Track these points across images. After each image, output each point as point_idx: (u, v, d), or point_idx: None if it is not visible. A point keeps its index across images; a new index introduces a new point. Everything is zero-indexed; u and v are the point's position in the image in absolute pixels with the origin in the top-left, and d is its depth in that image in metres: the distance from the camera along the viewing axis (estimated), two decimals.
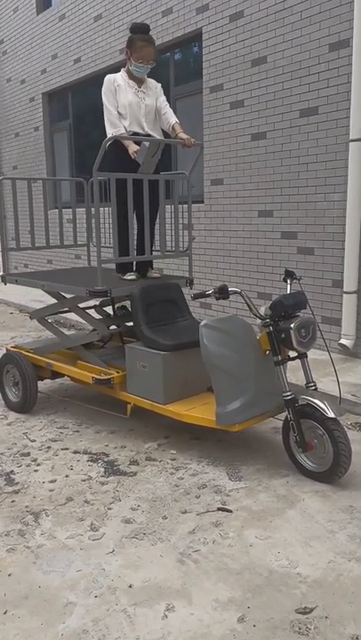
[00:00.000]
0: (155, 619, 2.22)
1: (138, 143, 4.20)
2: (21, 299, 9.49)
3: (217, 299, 3.30)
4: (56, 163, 10.05)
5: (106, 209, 4.47)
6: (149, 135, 4.41)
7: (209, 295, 3.33)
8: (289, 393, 3.28)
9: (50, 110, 10.06)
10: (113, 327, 4.46)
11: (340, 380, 4.69)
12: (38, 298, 9.35)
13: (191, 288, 4.76)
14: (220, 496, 3.15)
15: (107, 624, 2.20)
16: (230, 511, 2.99)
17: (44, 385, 5.17)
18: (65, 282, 4.34)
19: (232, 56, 6.18)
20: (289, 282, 3.62)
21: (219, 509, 3.01)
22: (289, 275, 3.62)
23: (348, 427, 4.05)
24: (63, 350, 4.59)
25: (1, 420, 4.42)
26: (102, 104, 4.37)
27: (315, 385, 3.44)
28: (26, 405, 4.45)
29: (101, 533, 2.82)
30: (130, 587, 2.42)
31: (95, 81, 8.64)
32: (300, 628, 2.15)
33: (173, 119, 4.46)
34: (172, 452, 3.75)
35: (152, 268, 4.70)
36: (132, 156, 4.18)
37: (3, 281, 4.82)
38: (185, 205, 6.35)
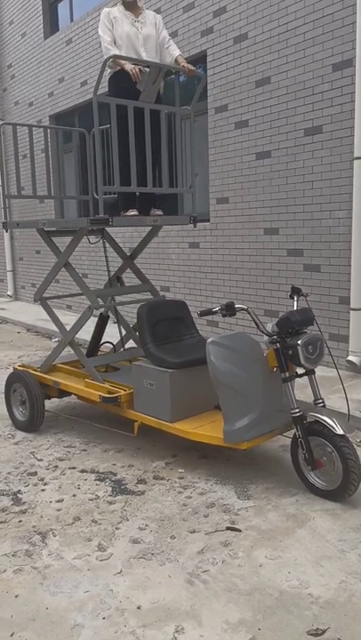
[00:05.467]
0: None
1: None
2: (29, 318, 9.52)
3: (223, 315, 3.30)
4: (62, 183, 10.15)
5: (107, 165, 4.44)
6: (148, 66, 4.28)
7: (216, 312, 3.33)
8: (297, 410, 3.25)
9: (57, 132, 10.18)
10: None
11: (348, 396, 4.65)
12: (45, 317, 9.36)
13: (195, 226, 4.61)
14: (229, 515, 3.12)
15: None
16: (239, 530, 2.96)
17: (52, 403, 5.15)
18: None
19: (236, 77, 6.26)
20: (296, 299, 3.61)
21: (228, 529, 2.98)
22: (296, 292, 3.62)
23: (357, 444, 4.01)
24: (70, 369, 4.59)
25: (8, 439, 4.41)
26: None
27: (323, 402, 3.42)
28: (33, 424, 4.44)
29: (109, 554, 2.80)
30: (138, 608, 2.38)
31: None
32: None
33: (177, 52, 4.42)
34: (180, 470, 3.72)
35: (155, 208, 4.59)
36: (131, 72, 4.07)
37: (4, 227, 4.70)
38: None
